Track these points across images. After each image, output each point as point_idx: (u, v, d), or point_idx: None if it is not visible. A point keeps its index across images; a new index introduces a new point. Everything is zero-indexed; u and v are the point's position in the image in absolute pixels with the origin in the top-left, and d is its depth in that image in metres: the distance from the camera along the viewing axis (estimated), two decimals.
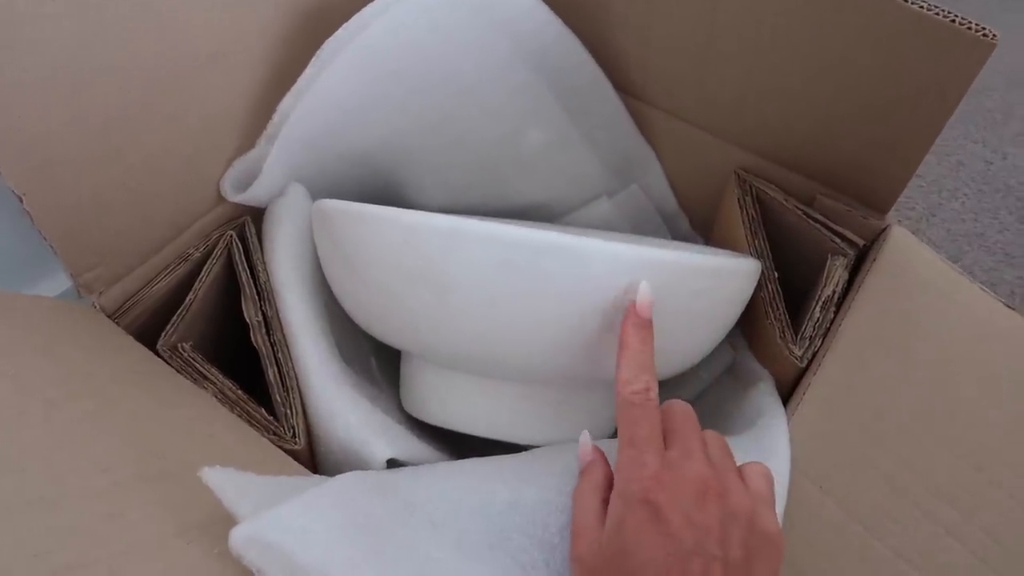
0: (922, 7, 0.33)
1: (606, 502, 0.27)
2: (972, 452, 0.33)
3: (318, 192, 0.43)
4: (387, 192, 0.48)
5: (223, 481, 0.24)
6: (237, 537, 0.22)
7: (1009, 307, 0.40)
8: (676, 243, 0.50)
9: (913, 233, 0.42)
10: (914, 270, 0.40)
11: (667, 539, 0.24)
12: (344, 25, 0.39)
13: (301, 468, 0.32)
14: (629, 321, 0.30)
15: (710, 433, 0.28)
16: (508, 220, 0.49)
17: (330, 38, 0.39)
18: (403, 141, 0.46)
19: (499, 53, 0.44)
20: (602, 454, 0.29)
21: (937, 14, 0.33)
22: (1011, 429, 0.34)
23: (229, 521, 0.23)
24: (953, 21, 0.33)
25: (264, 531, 0.22)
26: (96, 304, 0.37)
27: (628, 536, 0.25)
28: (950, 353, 0.36)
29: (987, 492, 0.32)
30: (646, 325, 0.29)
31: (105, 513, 0.23)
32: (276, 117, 0.40)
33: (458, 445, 0.40)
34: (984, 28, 0.32)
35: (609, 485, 0.28)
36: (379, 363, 0.45)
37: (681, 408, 0.29)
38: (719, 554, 0.24)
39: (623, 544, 0.25)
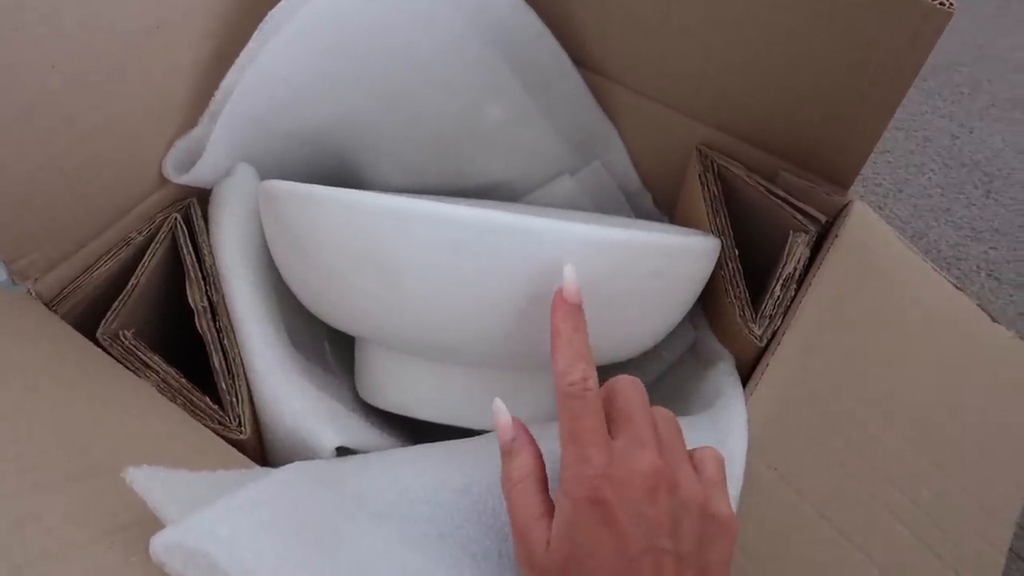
0: None
1: (542, 491, 0.26)
2: (915, 434, 0.33)
3: (267, 172, 0.41)
4: (342, 173, 0.47)
5: (150, 481, 0.23)
6: (158, 544, 0.21)
7: (957, 288, 0.40)
8: (638, 221, 0.49)
9: (879, 208, 0.41)
10: (873, 248, 0.39)
11: (618, 539, 0.23)
12: None
13: (244, 459, 0.31)
14: (558, 309, 0.28)
15: (660, 412, 0.27)
16: (465, 200, 0.47)
17: (273, 10, 0.38)
18: (357, 118, 0.44)
19: (453, 25, 0.42)
20: (526, 431, 0.27)
21: None
22: (949, 410, 0.34)
23: (157, 522, 0.22)
24: None
25: (187, 537, 0.21)
26: (32, 291, 0.35)
27: (579, 539, 0.24)
28: (901, 335, 0.36)
29: (928, 473, 0.32)
30: (576, 311, 0.28)
31: (22, 516, 0.21)
32: (218, 94, 0.38)
33: (413, 431, 0.39)
34: None
35: (540, 468, 0.26)
36: (333, 348, 0.44)
37: (627, 386, 0.27)
38: (671, 548, 0.24)
39: (573, 548, 0.24)
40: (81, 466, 0.24)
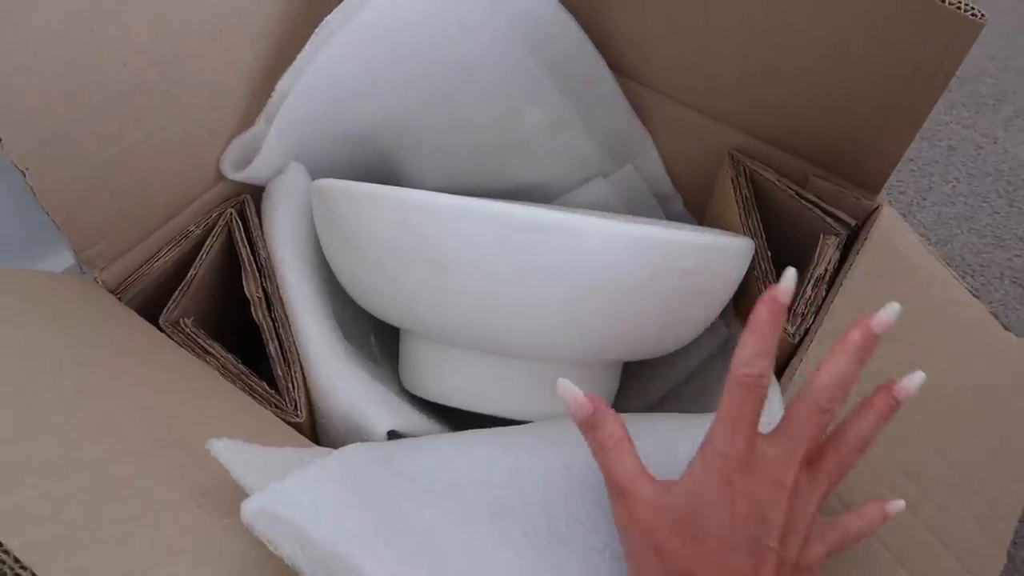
0: None
1: (635, 453, 0.27)
2: (935, 434, 0.34)
3: (317, 171, 0.43)
4: (385, 173, 0.49)
5: (230, 453, 0.25)
6: (248, 510, 0.23)
7: (974, 295, 0.41)
8: (671, 223, 0.50)
9: (904, 216, 0.43)
10: (901, 252, 0.40)
11: (733, 518, 0.25)
12: (342, 3, 0.40)
13: (304, 440, 0.33)
14: (766, 303, 0.27)
15: (841, 450, 0.28)
16: (505, 200, 0.49)
17: (328, 16, 0.39)
18: (401, 122, 0.46)
19: (497, 33, 0.44)
20: (603, 402, 0.28)
21: None
22: (966, 414, 0.36)
23: (236, 488, 0.24)
24: (944, 1, 0.33)
25: (274, 505, 0.23)
26: (98, 280, 0.37)
27: (701, 500, 0.26)
28: (922, 338, 0.37)
29: (942, 472, 0.33)
30: (780, 311, 0.27)
31: (115, 478, 0.23)
32: (275, 96, 0.40)
33: (456, 421, 0.40)
34: (973, 8, 0.32)
35: (626, 432, 0.28)
36: (378, 340, 0.45)
37: (814, 414, 0.27)
38: (774, 550, 0.25)
39: (694, 506, 0.26)
40: (163, 437, 0.26)
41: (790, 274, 0.28)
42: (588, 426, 0.28)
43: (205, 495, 0.24)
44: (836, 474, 0.28)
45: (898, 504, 0.29)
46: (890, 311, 0.27)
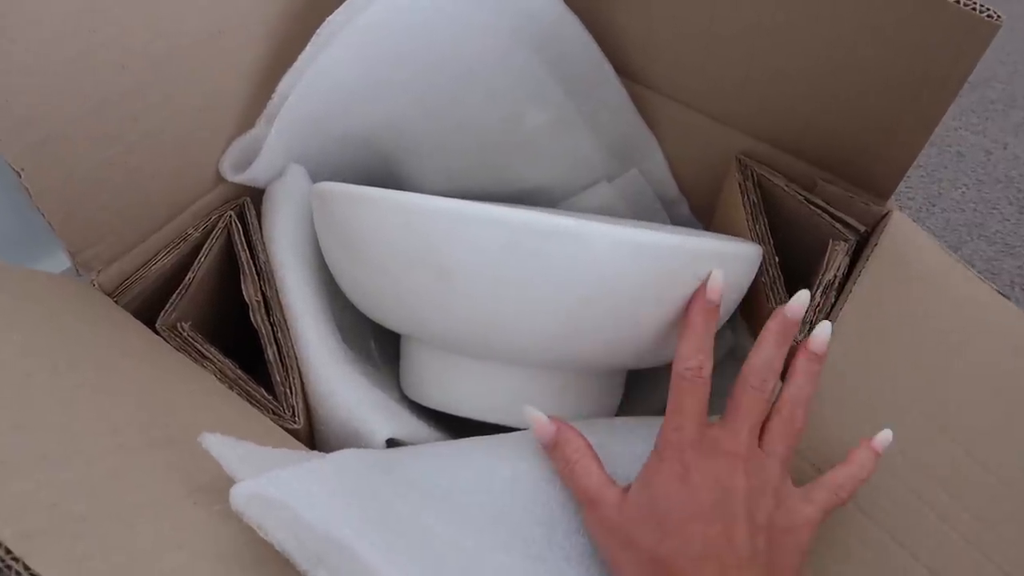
0: None
1: (599, 464, 0.29)
2: (964, 437, 0.33)
3: (318, 174, 0.42)
4: (386, 176, 0.48)
5: (223, 447, 0.24)
6: (238, 494, 0.23)
7: (1003, 295, 0.40)
8: (676, 228, 0.50)
9: (913, 222, 0.42)
10: (913, 257, 0.40)
11: (691, 493, 0.26)
12: (344, 4, 0.39)
13: (302, 446, 0.32)
14: (698, 302, 0.31)
15: (786, 418, 0.30)
16: (509, 204, 0.48)
17: (329, 17, 0.39)
18: (404, 125, 0.45)
19: (500, 35, 0.44)
20: (563, 423, 0.30)
21: None
22: (1002, 416, 0.34)
23: (231, 484, 0.23)
24: (958, 2, 0.32)
25: (266, 488, 0.23)
26: (94, 282, 0.37)
27: (656, 487, 0.27)
28: (946, 340, 0.36)
29: (977, 476, 0.32)
30: (712, 310, 0.31)
31: (113, 472, 0.23)
32: (275, 97, 0.40)
33: (457, 428, 0.40)
34: (989, 9, 0.32)
35: (590, 447, 0.29)
36: (378, 346, 0.45)
37: (754, 399, 0.30)
38: (742, 512, 0.26)
39: (653, 495, 0.27)
40: (160, 436, 0.26)
41: (717, 273, 0.31)
42: (552, 446, 0.30)
43: (202, 491, 0.24)
44: (787, 435, 0.30)
45: (885, 435, 0.31)
46: (800, 299, 0.31)
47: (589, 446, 0.30)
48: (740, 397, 0.30)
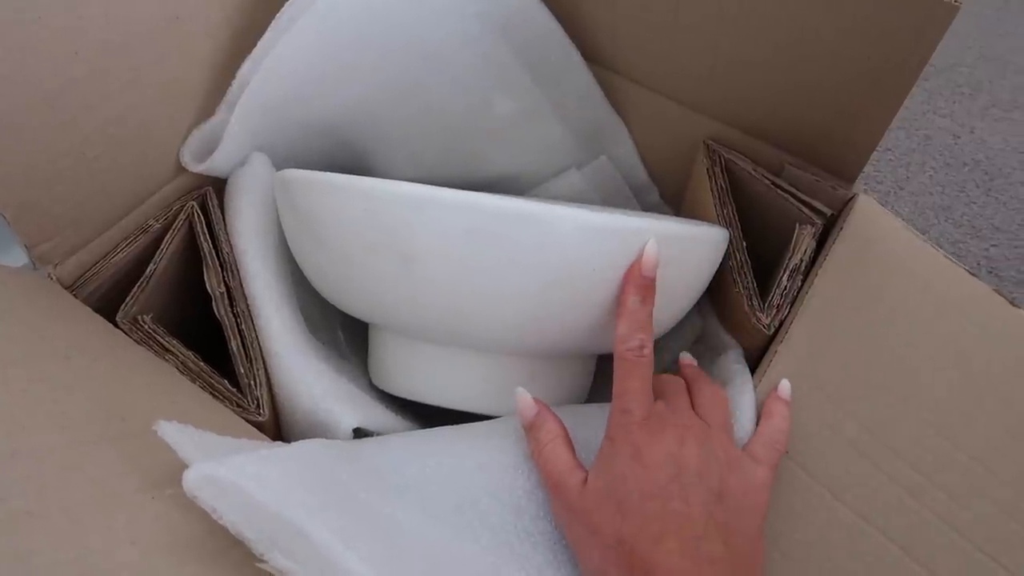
0: None
1: (570, 448, 0.29)
2: (934, 417, 0.33)
3: (282, 162, 0.42)
4: (353, 163, 0.48)
5: (179, 435, 0.24)
6: (191, 477, 0.22)
7: (972, 274, 0.40)
8: (645, 214, 0.50)
9: (881, 206, 0.42)
10: (879, 239, 0.40)
11: (646, 470, 0.27)
12: None
13: (266, 438, 0.32)
14: (630, 280, 0.31)
15: (709, 390, 0.31)
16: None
17: (289, 2, 0.38)
18: (370, 111, 0.45)
19: (465, 19, 0.43)
20: (546, 407, 0.31)
21: None
22: (972, 394, 0.35)
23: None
24: None
25: (217, 470, 0.22)
26: (52, 276, 0.36)
27: (613, 470, 0.27)
28: (914, 321, 0.36)
29: (948, 454, 0.32)
30: (648, 285, 0.31)
31: (65, 467, 0.22)
32: (235, 84, 0.39)
33: (426, 417, 0.39)
34: None
35: (565, 432, 0.30)
36: (346, 335, 0.44)
37: (673, 378, 0.32)
38: (697, 482, 0.27)
39: (609, 479, 0.27)
40: (116, 430, 0.25)
41: (651, 245, 0.30)
42: (529, 427, 0.30)
43: (157, 487, 0.23)
44: (715, 404, 0.31)
45: (784, 385, 0.33)
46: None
47: (564, 432, 0.30)
48: (672, 383, 0.32)
